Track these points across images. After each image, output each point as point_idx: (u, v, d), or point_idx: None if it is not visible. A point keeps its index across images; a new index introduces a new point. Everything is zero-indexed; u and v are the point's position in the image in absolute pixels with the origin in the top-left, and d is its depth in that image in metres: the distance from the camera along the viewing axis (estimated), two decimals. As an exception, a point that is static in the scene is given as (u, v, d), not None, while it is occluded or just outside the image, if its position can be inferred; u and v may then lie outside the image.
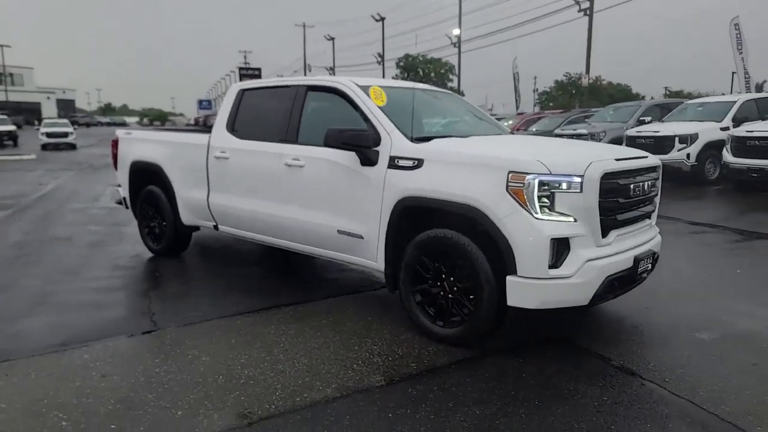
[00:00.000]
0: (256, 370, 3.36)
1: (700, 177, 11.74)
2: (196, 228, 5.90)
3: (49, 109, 66.55)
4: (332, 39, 51.88)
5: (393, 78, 68.59)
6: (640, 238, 3.86)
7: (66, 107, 76.93)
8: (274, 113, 4.92)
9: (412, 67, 65.80)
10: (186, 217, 5.74)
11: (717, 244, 7.13)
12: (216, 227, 5.52)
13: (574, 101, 33.04)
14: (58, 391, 3.15)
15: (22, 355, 3.63)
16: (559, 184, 3.36)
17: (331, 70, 51.33)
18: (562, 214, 3.38)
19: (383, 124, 4.11)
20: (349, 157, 4.16)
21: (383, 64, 44.11)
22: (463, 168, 3.63)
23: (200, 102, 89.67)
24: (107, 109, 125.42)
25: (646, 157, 4.04)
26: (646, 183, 3.84)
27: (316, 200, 4.46)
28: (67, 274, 5.54)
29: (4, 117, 36.31)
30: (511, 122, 19.68)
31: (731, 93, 19.76)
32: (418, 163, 3.83)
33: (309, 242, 4.64)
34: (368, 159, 4.06)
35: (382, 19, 42.76)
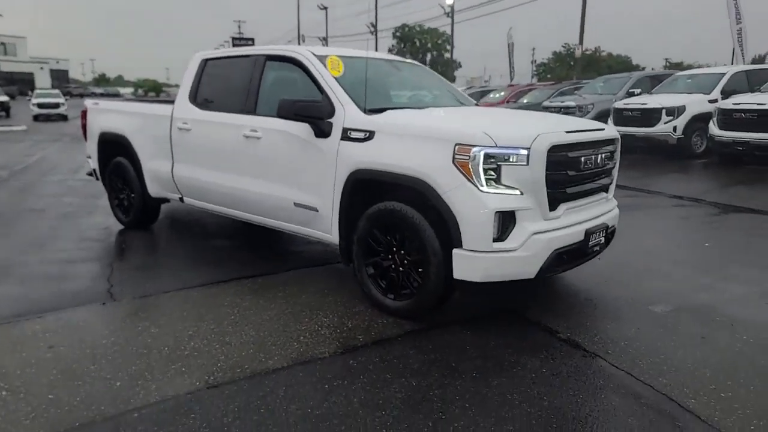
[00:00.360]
0: (203, 342, 3.37)
1: (686, 150, 11.66)
2: (165, 200, 5.87)
3: (42, 80, 65.77)
4: (325, 8, 50.95)
5: (389, 49, 67.80)
6: (592, 212, 3.84)
7: (60, 77, 76.12)
8: (235, 83, 4.86)
9: (408, 38, 65.02)
10: (153, 189, 5.71)
11: (692, 217, 7.12)
12: (181, 199, 5.49)
13: (572, 73, 32.70)
14: (3, 361, 3.16)
15: (-26, 326, 3.64)
16: (506, 157, 3.32)
17: (324, 41, 50.60)
18: (508, 187, 3.36)
19: (337, 94, 4.05)
20: (303, 129, 4.11)
21: (376, 34, 43.41)
22: (412, 140, 3.59)
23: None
24: (102, 80, 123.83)
25: (602, 129, 3.99)
26: (599, 156, 3.80)
27: (273, 172, 4.43)
28: (35, 246, 5.52)
29: (-3, 88, 35.96)
30: (502, 94, 19.49)
31: (732, 65, 19.48)
32: (370, 135, 3.79)
33: (268, 215, 4.62)
34: (322, 131, 4.01)
35: (375, -13, 42.02)
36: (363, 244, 3.86)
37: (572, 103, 14.11)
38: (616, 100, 13.21)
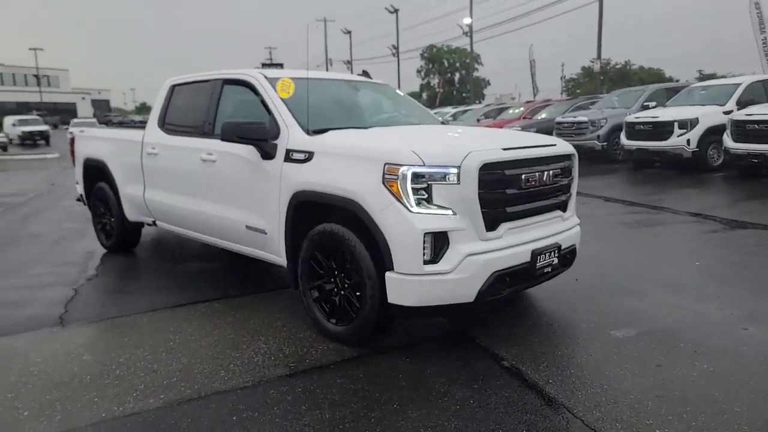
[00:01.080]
0: (129, 370, 3.31)
1: (702, 164, 11.20)
2: (144, 224, 5.90)
3: (84, 109, 68.59)
4: (349, 33, 51.57)
5: (417, 70, 68.04)
6: (541, 231, 3.64)
7: (101, 107, 79.08)
8: (196, 107, 4.87)
9: (436, 58, 65.24)
10: (130, 214, 5.76)
11: (694, 234, 6.77)
12: (154, 223, 5.51)
13: (601, 87, 32.14)
14: (-70, 390, 3.16)
15: None
16: (435, 176, 3.20)
17: (349, 64, 51.20)
18: (440, 207, 3.22)
19: (283, 116, 4.01)
20: (252, 151, 4.06)
21: (398, 56, 43.62)
22: (346, 160, 3.51)
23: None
24: (143, 108, 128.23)
25: (552, 145, 3.82)
26: (547, 173, 3.62)
27: (227, 195, 4.40)
28: (13, 271, 5.62)
29: (37, 118, 37.75)
30: (520, 110, 19.24)
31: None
32: (309, 156, 3.71)
33: (225, 238, 4.58)
34: (267, 152, 3.96)
35: (396, 11, 42.35)
36: (306, 266, 3.77)
37: (584, 119, 13.79)
38: (629, 114, 12.84)
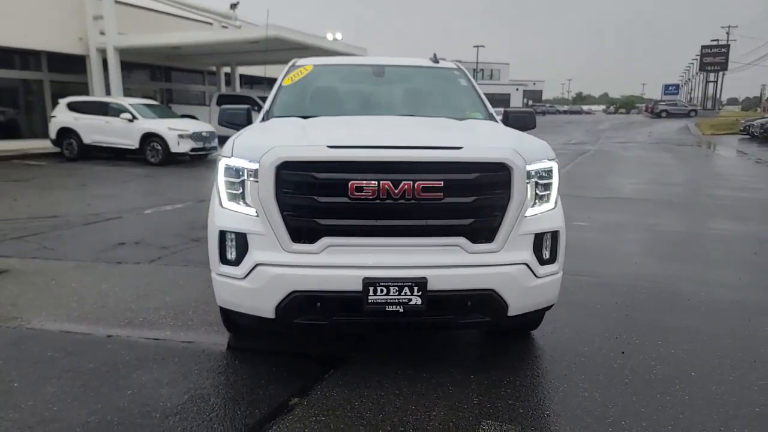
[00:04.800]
0: (67, 293, 4.30)
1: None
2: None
3: (516, 100, 74.97)
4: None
5: None
6: (398, 258, 2.74)
7: (533, 97, 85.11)
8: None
9: None
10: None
11: None
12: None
13: None
14: None
15: None
16: (241, 171, 2.88)
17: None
18: (248, 206, 2.89)
19: (267, 102, 4.11)
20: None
21: None
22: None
23: (666, 87, 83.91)
24: (578, 99, 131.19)
25: (455, 148, 2.72)
26: (413, 184, 2.64)
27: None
28: (157, 229, 7.00)
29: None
30: None
31: None
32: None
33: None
34: (246, 139, 4.16)
35: None
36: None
37: None
38: None
